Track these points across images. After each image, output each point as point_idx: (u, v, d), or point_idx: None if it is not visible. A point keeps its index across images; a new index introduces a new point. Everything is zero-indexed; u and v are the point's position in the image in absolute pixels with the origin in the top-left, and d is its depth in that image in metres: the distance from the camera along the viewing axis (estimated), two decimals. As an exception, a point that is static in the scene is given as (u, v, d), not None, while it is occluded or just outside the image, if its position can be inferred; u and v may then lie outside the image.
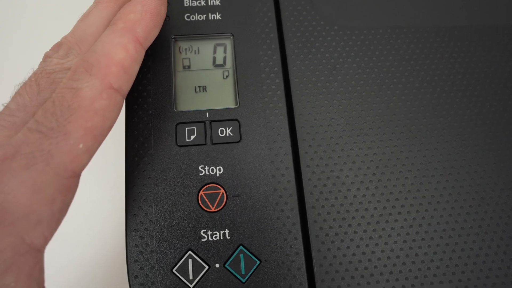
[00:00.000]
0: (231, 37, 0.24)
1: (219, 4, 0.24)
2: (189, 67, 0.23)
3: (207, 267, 0.19)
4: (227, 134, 0.22)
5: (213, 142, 0.21)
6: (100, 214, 0.30)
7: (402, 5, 0.26)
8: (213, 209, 0.20)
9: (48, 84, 0.17)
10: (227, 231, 0.20)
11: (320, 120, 0.22)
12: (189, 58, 0.23)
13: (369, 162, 0.22)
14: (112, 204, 0.29)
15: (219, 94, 0.23)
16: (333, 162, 0.22)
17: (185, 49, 0.23)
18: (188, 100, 0.22)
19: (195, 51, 0.23)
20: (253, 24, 0.24)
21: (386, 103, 0.23)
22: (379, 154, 0.22)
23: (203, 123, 0.22)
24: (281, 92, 0.23)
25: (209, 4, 0.24)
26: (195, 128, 0.22)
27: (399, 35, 0.25)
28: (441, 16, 0.26)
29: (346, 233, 0.21)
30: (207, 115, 0.22)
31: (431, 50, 0.25)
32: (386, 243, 0.21)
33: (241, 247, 0.20)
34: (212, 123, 0.22)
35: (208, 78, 0.23)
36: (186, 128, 0.22)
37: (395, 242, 0.21)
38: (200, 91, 0.23)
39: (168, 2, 0.24)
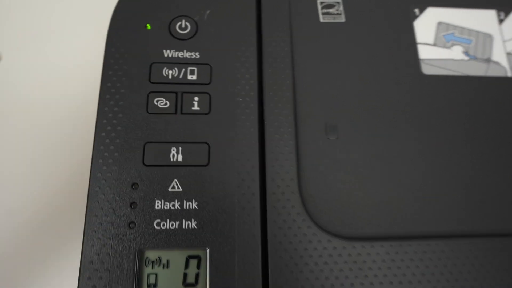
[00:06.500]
0: (207, 249, 0.20)
1: (196, 207, 0.21)
2: (155, 286, 0.20)
3: None
4: None
5: None
6: None
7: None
8: None
9: None
10: None
11: None
12: (157, 274, 0.20)
13: None
14: None
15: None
16: None
17: (153, 261, 0.20)
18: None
19: (164, 265, 0.20)
20: (234, 238, 0.21)
21: None
22: None
23: None
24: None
25: (184, 208, 0.21)
26: None
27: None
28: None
29: None
30: None
31: None
32: None
33: None
34: None
35: (176, 302, 0.20)
36: None
37: None
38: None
39: (135, 203, 0.21)
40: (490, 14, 0.29)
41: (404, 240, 0.22)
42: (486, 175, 0.24)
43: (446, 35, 0.28)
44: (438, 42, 0.28)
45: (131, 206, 0.21)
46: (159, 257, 0.20)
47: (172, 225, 0.21)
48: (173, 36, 0.25)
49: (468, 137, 0.25)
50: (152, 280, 0.20)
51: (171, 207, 0.21)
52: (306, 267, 0.21)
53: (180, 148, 0.22)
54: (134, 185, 0.21)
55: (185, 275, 0.20)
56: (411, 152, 0.24)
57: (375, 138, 0.24)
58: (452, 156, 0.24)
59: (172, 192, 0.21)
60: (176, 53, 0.24)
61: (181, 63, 0.24)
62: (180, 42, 0.25)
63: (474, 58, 0.28)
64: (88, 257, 0.19)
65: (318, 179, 0.23)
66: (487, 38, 0.29)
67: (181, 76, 0.24)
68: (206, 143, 0.22)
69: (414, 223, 0.23)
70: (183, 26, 0.25)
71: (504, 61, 0.28)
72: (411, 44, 0.27)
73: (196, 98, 0.23)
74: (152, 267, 0.20)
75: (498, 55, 0.28)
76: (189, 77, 0.24)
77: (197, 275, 0.20)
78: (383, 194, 0.23)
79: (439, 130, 0.25)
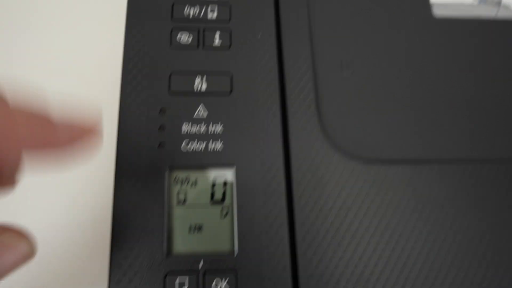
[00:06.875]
0: (234, 168, 0.21)
1: (221, 131, 0.22)
2: (184, 201, 0.21)
3: None
4: (222, 289, 0.19)
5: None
6: None
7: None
8: None
9: None
10: None
11: None
12: (186, 191, 0.21)
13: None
14: None
15: (215, 237, 0.20)
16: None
17: (181, 180, 0.21)
18: (181, 243, 0.20)
19: (192, 183, 0.21)
20: (258, 156, 0.22)
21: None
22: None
23: (195, 276, 0.19)
24: (285, 244, 0.20)
25: (210, 132, 0.22)
26: (187, 278, 0.19)
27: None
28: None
29: None
30: (201, 264, 0.20)
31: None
32: None
33: None
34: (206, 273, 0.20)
35: (204, 216, 0.21)
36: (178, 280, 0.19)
37: None
38: (194, 231, 0.21)
39: (163, 127, 0.21)
40: (498, -39, 0.30)
41: (419, 164, 0.23)
42: (496, 107, 0.25)
43: (456, -20, 0.29)
44: (449, -14, 0.29)
45: (159, 129, 0.22)
46: (187, 176, 0.21)
47: (199, 146, 0.22)
48: (193, -21, 0.26)
49: (477, 74, 0.26)
50: (182, 196, 0.21)
51: (197, 130, 0.22)
52: (327, 185, 0.22)
53: (204, 78, 0.23)
54: (161, 110, 0.22)
55: (212, 192, 0.21)
56: (425, 85, 0.25)
57: (389, 72, 0.25)
58: (464, 89, 0.25)
59: (198, 117, 0.22)
60: (197, -7, 0.25)
61: (202, 2, 0.25)
62: (200, -16, 0.25)
63: (484, 1, 0.29)
64: (121, 171, 0.20)
65: (336, 107, 0.24)
66: (496, -17, 0.30)
67: (201, 15, 0.25)
68: (229, 72, 0.23)
69: (429, 149, 0.24)
70: (202, -31, 0.26)
71: (513, 5, 0.29)
72: (423, -13, 0.28)
73: (217, 34, 0.24)
74: (181, 185, 0.21)
75: (507, -1, 0.29)
76: (210, 15, 0.25)
77: (224, 193, 0.21)
78: (398, 122, 0.24)
79: (450, 67, 0.26)
